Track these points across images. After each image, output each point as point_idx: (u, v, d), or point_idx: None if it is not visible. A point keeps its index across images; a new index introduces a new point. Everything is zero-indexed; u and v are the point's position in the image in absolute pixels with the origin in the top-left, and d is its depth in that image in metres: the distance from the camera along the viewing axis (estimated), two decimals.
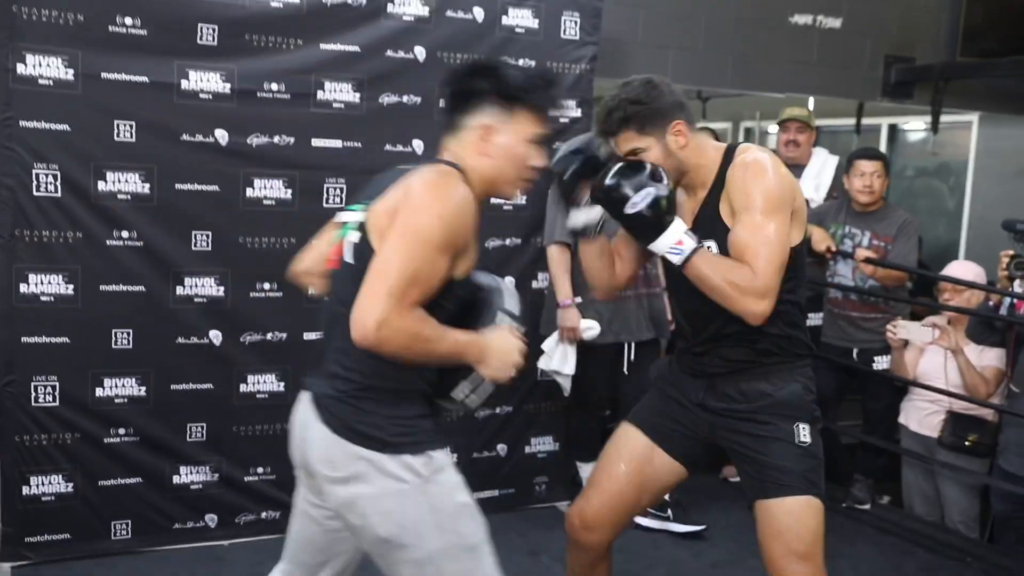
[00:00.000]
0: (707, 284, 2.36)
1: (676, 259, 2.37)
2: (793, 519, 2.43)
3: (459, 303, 2.11)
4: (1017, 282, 3.97)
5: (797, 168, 4.83)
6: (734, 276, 2.33)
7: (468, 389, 2.17)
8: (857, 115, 6.42)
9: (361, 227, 2.06)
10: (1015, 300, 4.14)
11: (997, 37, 5.75)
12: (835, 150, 5.08)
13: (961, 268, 4.53)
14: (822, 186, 4.77)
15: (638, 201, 2.33)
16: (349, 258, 2.09)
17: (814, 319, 4.64)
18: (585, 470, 4.28)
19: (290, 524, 2.29)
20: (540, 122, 2.14)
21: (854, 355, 4.47)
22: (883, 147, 6.87)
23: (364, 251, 2.02)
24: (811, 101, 5.94)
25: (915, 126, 7.28)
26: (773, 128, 5.38)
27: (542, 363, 4.03)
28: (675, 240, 2.36)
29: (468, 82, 2.13)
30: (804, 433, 2.51)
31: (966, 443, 4.21)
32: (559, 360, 4.00)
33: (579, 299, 3.96)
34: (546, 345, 4.01)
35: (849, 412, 4.86)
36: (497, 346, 2.07)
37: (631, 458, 2.63)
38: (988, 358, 4.20)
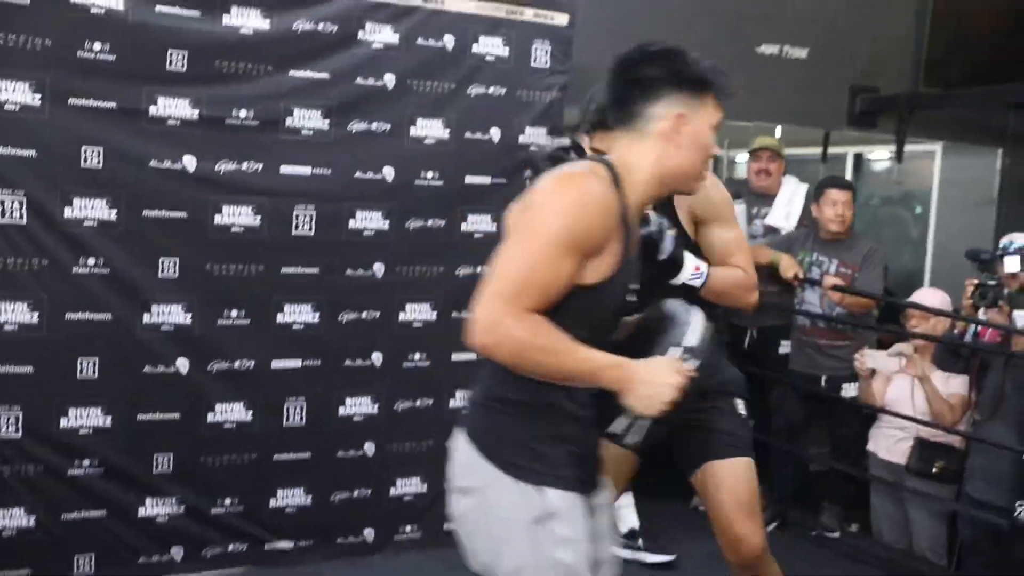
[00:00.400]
0: (719, 293, 2.64)
1: (698, 283, 2.59)
2: (743, 477, 2.67)
3: (637, 328, 1.99)
4: (981, 310, 4.01)
5: (768, 197, 4.87)
6: (737, 280, 2.69)
7: (624, 424, 1.96)
8: (823, 144, 6.49)
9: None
10: (979, 328, 4.18)
11: (959, 68, 5.85)
12: (802, 179, 5.12)
13: (928, 295, 4.57)
14: (792, 215, 4.81)
15: (667, 247, 2.49)
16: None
17: (786, 347, 4.68)
18: None
19: None
20: (721, 108, 2.00)
21: (822, 382, 4.49)
22: (849, 176, 6.95)
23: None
24: (778, 130, 6.00)
25: (880, 155, 7.37)
26: (741, 156, 5.42)
27: None
28: (693, 268, 2.58)
29: (651, 69, 1.95)
30: (742, 407, 2.81)
31: (933, 469, 4.24)
32: None
33: None
34: None
35: (817, 439, 4.87)
36: (645, 375, 1.83)
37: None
38: (954, 385, 4.24)
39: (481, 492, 1.91)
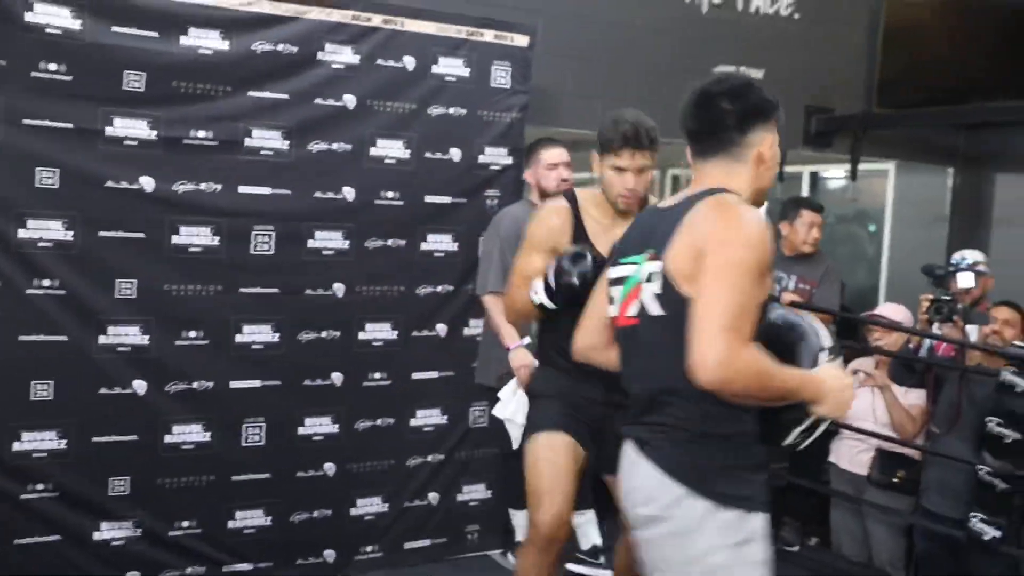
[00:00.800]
0: None
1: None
2: None
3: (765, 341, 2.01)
4: (936, 325, 4.07)
5: None
6: None
7: (799, 432, 2.08)
8: (780, 163, 6.59)
9: (661, 276, 2.00)
10: (934, 343, 4.25)
11: (911, 89, 5.97)
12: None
13: (891, 310, 4.63)
14: None
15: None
16: (655, 310, 2.02)
17: None
18: (518, 517, 4.25)
19: None
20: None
21: None
22: (805, 194, 7.04)
23: (673, 299, 1.97)
24: None
25: (835, 174, 7.47)
26: None
27: (497, 411, 3.93)
28: None
29: (742, 101, 2.09)
30: None
31: (894, 480, 4.28)
32: (514, 408, 3.92)
33: (527, 339, 3.95)
34: (503, 393, 3.92)
35: (777, 454, 4.91)
36: (833, 384, 2.01)
37: (567, 457, 2.91)
38: (912, 398, 4.29)
39: (679, 520, 1.98)
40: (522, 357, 3.91)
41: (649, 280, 2.03)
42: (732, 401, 1.90)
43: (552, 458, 2.91)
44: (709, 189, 2.05)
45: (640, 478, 2.05)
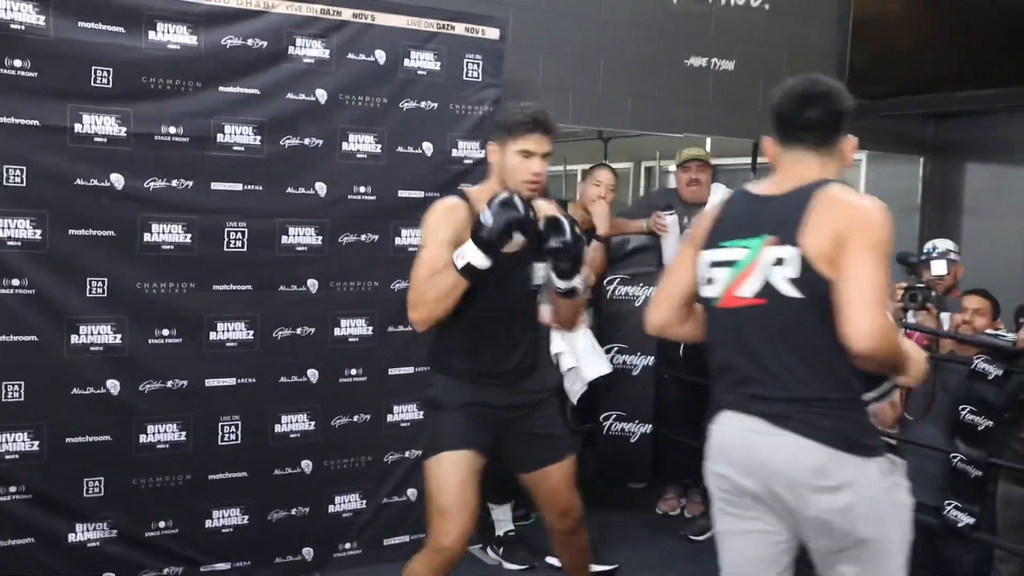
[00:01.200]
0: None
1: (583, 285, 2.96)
2: (571, 467, 3.11)
3: None
4: (911, 313, 4.11)
5: (699, 205, 4.96)
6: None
7: (875, 394, 2.36)
8: (753, 154, 6.60)
9: (798, 260, 2.18)
10: (907, 331, 4.28)
11: (882, 79, 6.01)
12: (733, 189, 5.20)
13: None
14: None
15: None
16: (790, 292, 2.20)
17: None
18: (498, 512, 4.26)
19: (731, 550, 2.39)
20: None
21: None
22: None
23: (811, 281, 2.17)
24: (708, 141, 6.08)
25: None
26: (673, 167, 5.48)
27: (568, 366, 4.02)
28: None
29: (846, 102, 2.34)
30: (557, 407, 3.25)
31: None
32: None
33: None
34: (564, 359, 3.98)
35: None
36: (918, 355, 2.36)
37: (472, 475, 2.94)
38: None
39: (855, 482, 2.19)
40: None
41: (779, 264, 2.21)
42: (868, 368, 2.18)
43: (459, 479, 2.90)
44: (821, 180, 2.26)
45: (789, 451, 2.21)
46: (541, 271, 2.96)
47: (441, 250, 2.83)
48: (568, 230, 2.81)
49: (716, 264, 2.33)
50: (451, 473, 2.90)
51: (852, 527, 2.20)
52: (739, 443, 2.30)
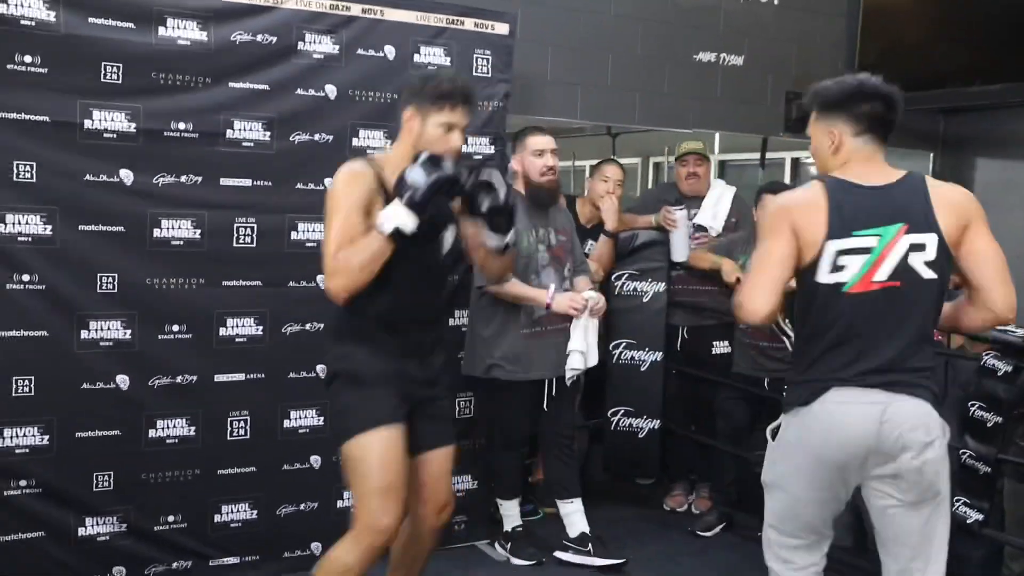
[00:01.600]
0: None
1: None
2: (450, 458, 3.05)
3: None
4: None
5: (698, 199, 4.95)
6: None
7: None
8: (762, 149, 6.59)
9: (936, 245, 2.45)
10: None
11: (891, 74, 5.95)
12: (742, 183, 5.21)
13: None
14: (719, 215, 4.90)
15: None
16: (928, 274, 2.46)
17: (720, 347, 4.75)
18: (506, 507, 4.27)
19: (812, 517, 2.62)
20: None
21: (765, 384, 4.55)
22: (787, 180, 7.06)
23: (943, 263, 2.47)
24: (716, 136, 6.08)
25: None
26: None
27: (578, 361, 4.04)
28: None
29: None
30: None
31: None
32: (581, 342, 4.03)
33: (552, 286, 3.97)
34: (574, 344, 4.01)
35: (762, 442, 4.92)
36: None
37: (402, 453, 2.82)
38: None
39: (940, 437, 2.50)
40: (564, 298, 3.94)
41: (917, 249, 2.44)
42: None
43: (396, 455, 2.79)
44: (913, 172, 2.57)
45: (916, 415, 2.47)
46: (450, 238, 2.93)
47: (354, 217, 2.72)
48: (500, 185, 2.79)
49: (846, 252, 2.46)
50: (389, 449, 2.77)
51: (936, 478, 2.48)
52: (860, 415, 2.47)
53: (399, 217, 2.67)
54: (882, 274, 2.45)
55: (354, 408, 2.83)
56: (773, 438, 2.73)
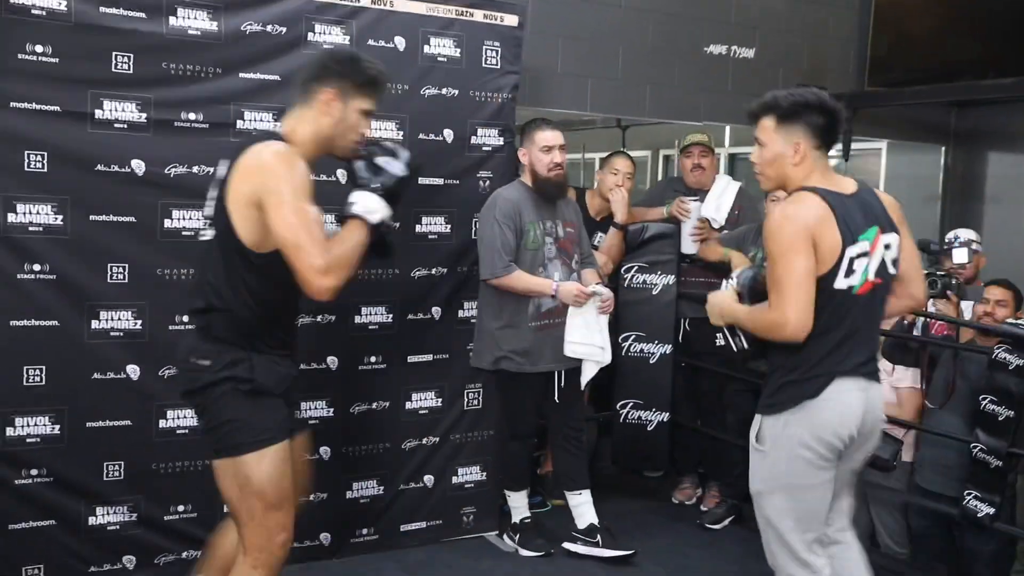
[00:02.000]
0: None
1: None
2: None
3: None
4: (931, 300, 4.08)
5: (703, 191, 4.93)
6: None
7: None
8: None
9: (896, 244, 2.73)
10: (928, 320, 4.26)
11: (902, 67, 5.96)
12: (752, 176, 5.17)
13: None
14: (723, 207, 4.84)
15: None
16: (893, 270, 2.74)
17: (722, 339, 4.73)
18: (514, 499, 4.27)
19: (819, 504, 2.76)
20: None
21: None
22: None
23: (899, 259, 2.76)
24: (727, 129, 6.06)
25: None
26: None
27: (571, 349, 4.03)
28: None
29: None
30: None
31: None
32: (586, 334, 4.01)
33: (557, 275, 3.97)
34: (572, 335, 4.00)
35: None
36: None
37: (289, 462, 2.73)
38: (904, 379, 4.30)
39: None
40: (571, 286, 3.93)
41: (888, 249, 2.70)
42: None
43: (287, 470, 2.69)
44: (860, 179, 2.81)
45: (881, 401, 2.80)
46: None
47: (311, 206, 2.58)
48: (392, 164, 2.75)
49: (856, 257, 2.64)
50: (284, 464, 2.67)
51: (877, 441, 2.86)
52: (856, 401, 2.68)
53: (381, 208, 2.68)
54: (872, 274, 2.68)
55: (247, 421, 2.65)
56: (757, 440, 2.77)
